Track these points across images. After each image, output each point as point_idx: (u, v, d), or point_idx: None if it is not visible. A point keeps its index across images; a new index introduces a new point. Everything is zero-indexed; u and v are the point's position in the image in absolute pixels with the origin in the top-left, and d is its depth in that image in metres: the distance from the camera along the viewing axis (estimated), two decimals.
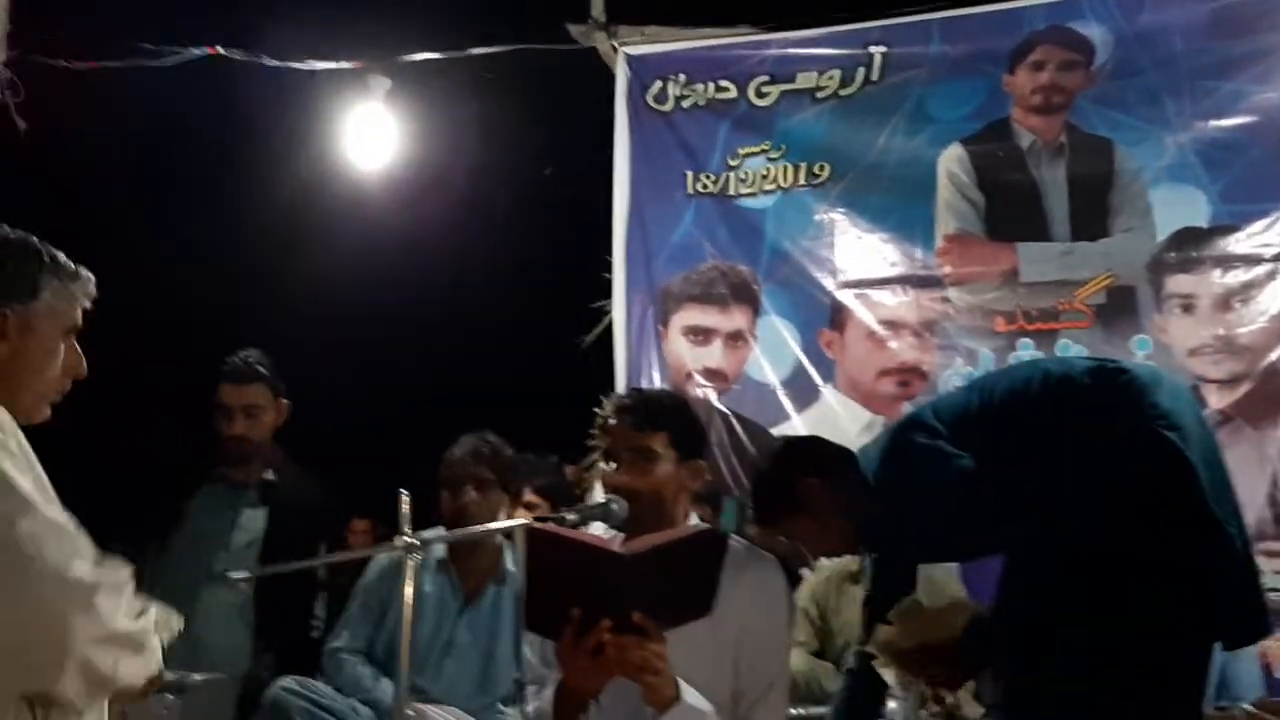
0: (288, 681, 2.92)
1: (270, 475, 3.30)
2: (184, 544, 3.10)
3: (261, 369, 3.29)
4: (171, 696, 2.44)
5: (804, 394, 4.23)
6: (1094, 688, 2.34)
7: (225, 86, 4.05)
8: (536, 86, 4.56)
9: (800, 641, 3.60)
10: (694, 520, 2.42)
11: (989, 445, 2.50)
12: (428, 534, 2.33)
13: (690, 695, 2.10)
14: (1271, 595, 3.58)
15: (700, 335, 4.47)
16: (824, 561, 3.78)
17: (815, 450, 2.81)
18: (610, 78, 4.63)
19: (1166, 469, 2.36)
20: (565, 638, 2.02)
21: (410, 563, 2.17)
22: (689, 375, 4.45)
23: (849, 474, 2.62)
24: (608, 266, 4.64)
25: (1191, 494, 2.35)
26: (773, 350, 4.36)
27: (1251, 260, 3.76)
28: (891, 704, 2.84)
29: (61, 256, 1.78)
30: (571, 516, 2.22)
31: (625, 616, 2.00)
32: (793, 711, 2.89)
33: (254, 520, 3.23)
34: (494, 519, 3.08)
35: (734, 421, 4.32)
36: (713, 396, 4.40)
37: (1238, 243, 3.78)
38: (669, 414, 2.39)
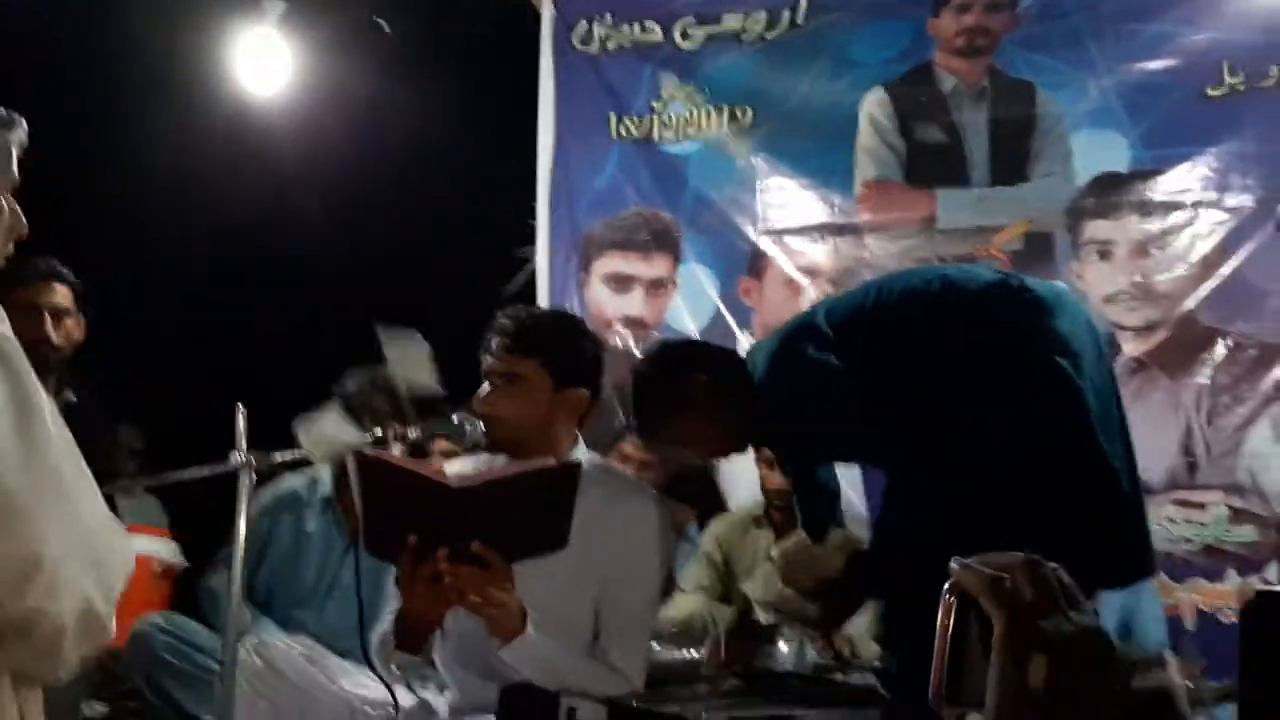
0: (154, 617, 2.85)
1: (71, 397, 3.14)
2: None
3: (70, 274, 3.14)
4: None
5: (722, 342, 4.15)
6: None
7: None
8: (456, 24, 4.45)
9: (703, 585, 3.55)
10: (580, 450, 2.35)
11: (876, 346, 2.43)
12: (279, 455, 2.24)
13: (536, 628, 2.04)
14: (1184, 545, 3.60)
15: (621, 283, 4.40)
16: (728, 516, 3.74)
17: (700, 349, 2.74)
18: (535, 18, 4.54)
19: (1054, 395, 2.30)
20: (403, 565, 1.97)
21: (244, 481, 2.09)
22: (609, 323, 4.38)
23: (736, 374, 2.53)
24: (531, 213, 4.57)
25: (1077, 423, 2.29)
26: (693, 298, 4.29)
27: (1170, 206, 3.69)
28: (783, 647, 2.79)
29: None
30: (414, 434, 2.15)
31: (463, 547, 1.94)
32: (687, 654, 2.83)
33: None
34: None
35: None
36: (633, 344, 4.33)
37: (1157, 188, 3.70)
38: (546, 339, 2.30)
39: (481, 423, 2.22)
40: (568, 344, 2.31)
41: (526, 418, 2.23)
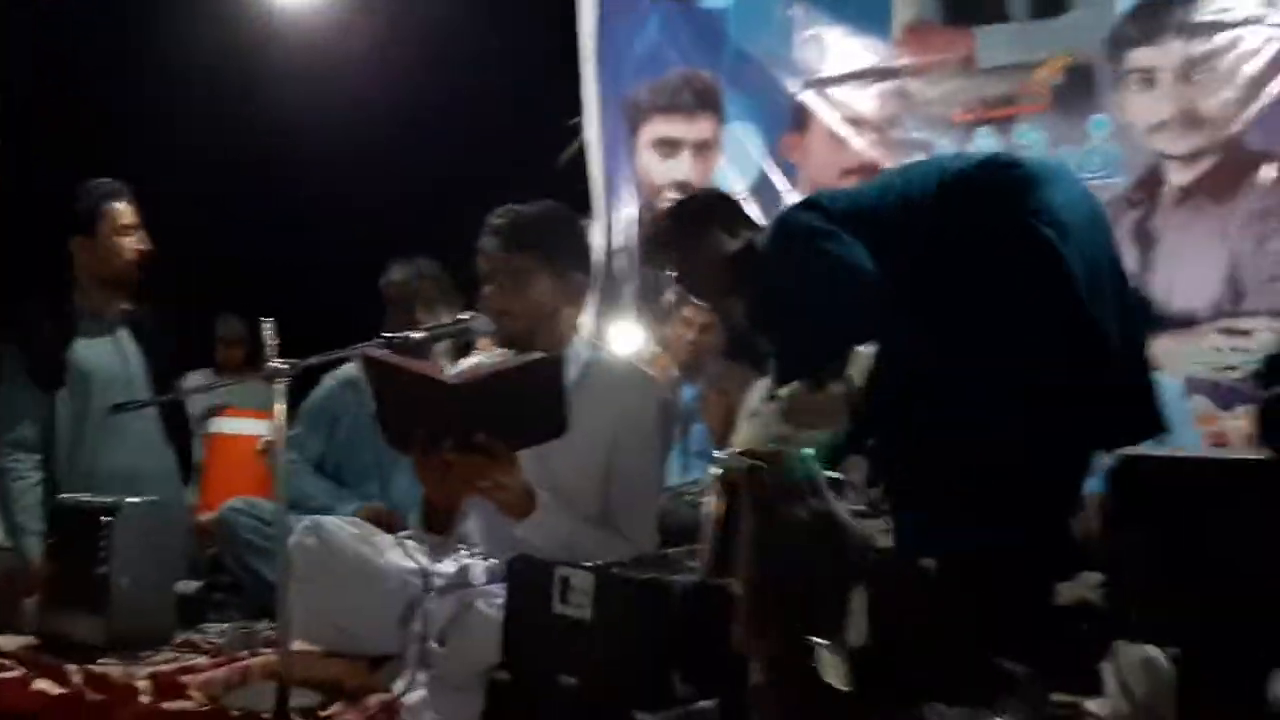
0: (235, 501, 3.12)
1: (128, 305, 3.35)
2: (79, 386, 3.20)
3: (128, 189, 3.31)
4: (105, 518, 2.63)
5: (769, 201, 4.20)
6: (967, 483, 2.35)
7: None
8: None
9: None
10: (579, 337, 2.50)
11: (875, 237, 2.48)
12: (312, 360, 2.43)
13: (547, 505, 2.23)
14: (1229, 373, 3.59)
15: (668, 147, 4.45)
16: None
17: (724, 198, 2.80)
18: None
19: (1036, 265, 2.32)
20: (416, 456, 2.15)
21: (278, 387, 2.28)
22: (659, 190, 4.45)
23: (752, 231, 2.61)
24: (578, 83, 4.61)
25: (1061, 293, 2.30)
26: (738, 158, 4.33)
27: (1215, 27, 3.57)
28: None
29: None
30: (418, 335, 2.30)
31: (467, 438, 2.11)
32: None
33: (131, 347, 3.34)
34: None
35: None
36: None
37: (1200, 9, 3.58)
38: (540, 231, 2.43)
39: (491, 319, 2.36)
40: (562, 233, 2.43)
41: (529, 311, 2.37)
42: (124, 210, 3.29)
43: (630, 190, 4.50)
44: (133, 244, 3.27)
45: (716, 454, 0.99)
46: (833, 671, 0.90)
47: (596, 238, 4.59)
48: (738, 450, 0.98)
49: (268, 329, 2.36)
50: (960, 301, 2.36)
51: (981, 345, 2.32)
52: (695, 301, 3.26)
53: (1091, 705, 1.89)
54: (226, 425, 4.15)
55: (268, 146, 4.65)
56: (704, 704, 1.74)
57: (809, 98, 4.19)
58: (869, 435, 2.46)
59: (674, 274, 2.74)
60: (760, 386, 3.85)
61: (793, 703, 0.89)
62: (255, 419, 4.86)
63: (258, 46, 4.44)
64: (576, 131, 4.64)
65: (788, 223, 2.54)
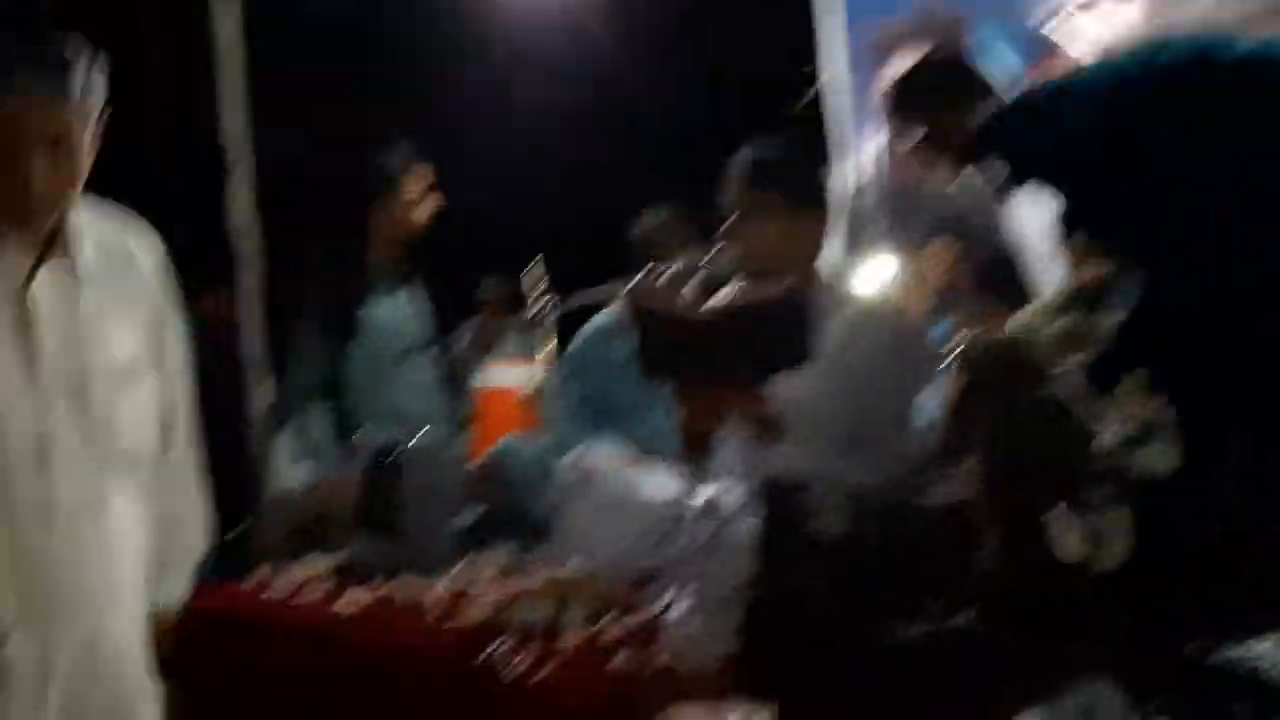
0: (505, 440, 3.36)
1: (411, 263, 3.61)
2: (368, 339, 3.47)
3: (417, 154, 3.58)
4: (388, 460, 2.91)
5: None
6: None
7: None
8: None
9: None
10: (822, 272, 2.57)
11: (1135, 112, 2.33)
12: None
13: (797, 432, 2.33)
14: None
15: None
16: None
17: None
18: None
19: None
20: (672, 389, 2.29)
21: (541, 330, 2.47)
22: None
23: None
24: (811, 29, 4.60)
25: None
26: None
27: None
28: None
29: None
30: (667, 276, 2.43)
31: (716, 370, 2.24)
32: None
33: (416, 304, 3.62)
34: None
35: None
36: None
37: None
38: (780, 170, 2.52)
39: (733, 254, 2.47)
40: (803, 171, 2.50)
41: (771, 248, 2.46)
42: (420, 176, 3.56)
43: (874, 129, 4.47)
44: (427, 208, 3.54)
45: (956, 336, 1.04)
46: (1067, 547, 0.94)
47: (841, 176, 4.59)
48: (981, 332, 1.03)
49: (532, 273, 2.56)
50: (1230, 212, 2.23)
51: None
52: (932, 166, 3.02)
53: None
54: (493, 377, 4.42)
55: (516, 104, 4.88)
56: (957, 621, 1.79)
57: (1054, 27, 4.04)
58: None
59: (926, 126, 2.60)
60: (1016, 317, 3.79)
61: (1020, 585, 0.94)
62: (520, 367, 5.19)
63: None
64: (812, 79, 4.64)
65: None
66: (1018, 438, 1.00)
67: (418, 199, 3.53)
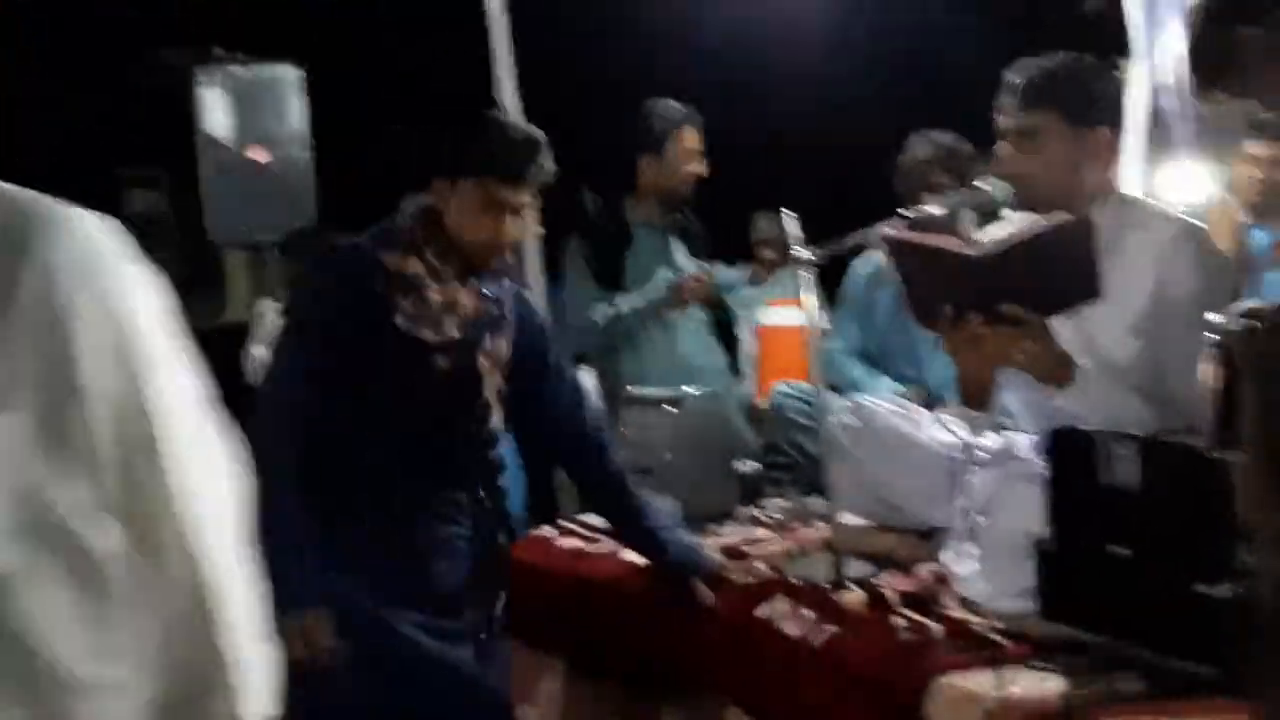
0: (783, 385, 3.30)
1: (678, 214, 3.63)
2: (637, 288, 3.51)
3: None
4: (670, 409, 2.92)
5: None
6: None
7: None
8: None
9: None
10: (1112, 194, 2.35)
11: None
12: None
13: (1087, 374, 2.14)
14: None
15: None
16: None
17: None
18: None
19: None
20: (945, 333, 2.16)
21: (806, 275, 2.40)
22: None
23: None
24: None
25: None
26: None
27: None
28: None
29: None
30: (938, 212, 2.28)
31: (994, 309, 2.08)
32: None
33: (682, 253, 3.61)
34: None
35: None
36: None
37: None
38: (1059, 86, 2.30)
39: (1006, 183, 2.29)
40: (1082, 86, 2.27)
41: (1049, 172, 2.26)
42: (691, 135, 3.59)
43: (1176, 21, 4.07)
44: (694, 168, 3.56)
45: (1210, 317, 0.89)
46: None
47: (1139, 78, 4.22)
48: (1239, 311, 0.88)
49: (790, 221, 2.48)
50: None
51: None
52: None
53: None
54: (773, 316, 4.38)
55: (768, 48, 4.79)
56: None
57: None
58: None
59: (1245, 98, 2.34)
60: None
61: None
62: (799, 308, 5.12)
63: None
64: None
65: None
66: None
67: (688, 156, 3.53)
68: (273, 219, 5.03)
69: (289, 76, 5.20)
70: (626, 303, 3.51)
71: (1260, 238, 3.56)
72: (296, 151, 5.17)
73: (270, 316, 4.79)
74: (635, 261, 3.56)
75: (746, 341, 4.85)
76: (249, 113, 5.18)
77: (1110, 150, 2.31)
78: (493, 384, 2.38)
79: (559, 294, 3.79)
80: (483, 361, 2.36)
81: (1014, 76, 2.32)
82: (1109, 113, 2.30)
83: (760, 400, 3.65)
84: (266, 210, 5.08)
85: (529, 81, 4.08)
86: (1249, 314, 0.87)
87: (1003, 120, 2.32)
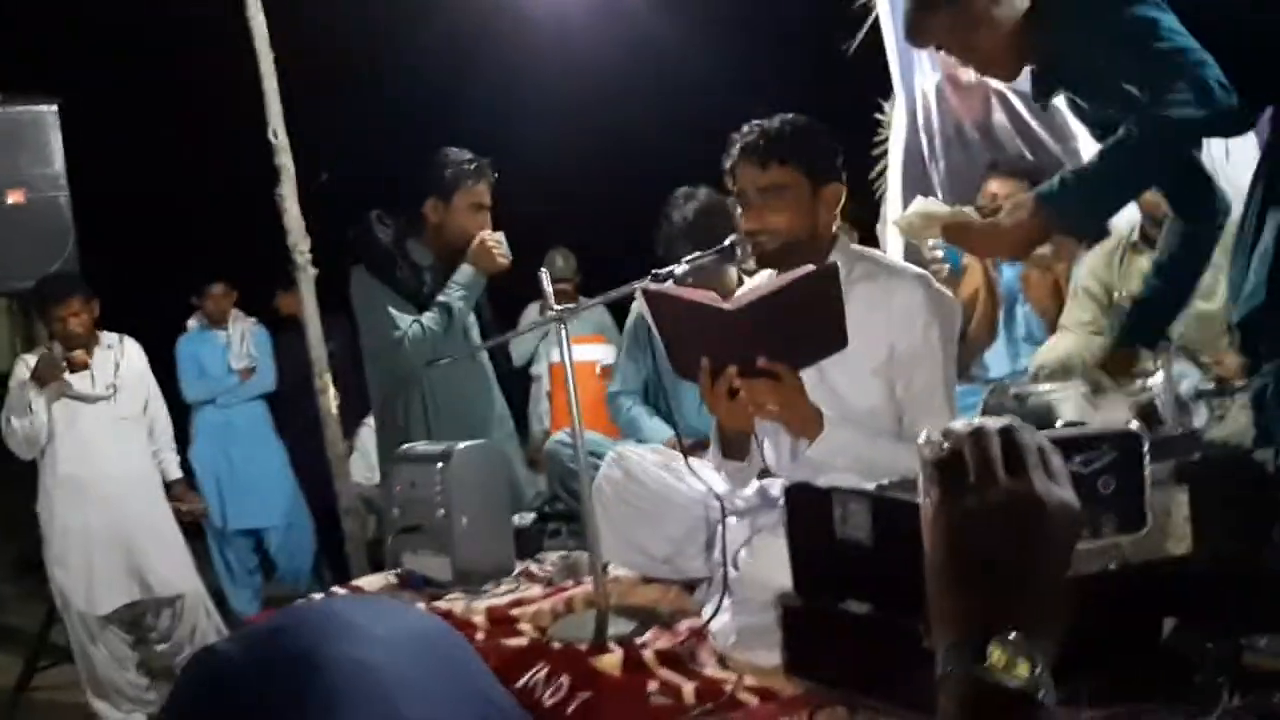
0: (560, 435, 3.27)
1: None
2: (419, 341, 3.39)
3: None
4: (439, 465, 2.84)
5: None
6: None
7: None
8: None
9: (1083, 321, 3.43)
10: (842, 241, 2.41)
11: None
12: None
13: (834, 422, 2.18)
14: None
15: None
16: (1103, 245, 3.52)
17: None
18: None
19: None
20: (703, 384, 2.16)
21: (563, 332, 2.37)
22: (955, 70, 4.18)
23: None
24: None
25: None
26: None
27: None
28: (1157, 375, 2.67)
29: None
30: (681, 269, 2.29)
31: (749, 362, 2.09)
32: (1043, 388, 2.81)
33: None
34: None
35: (1013, 99, 4.03)
36: (991, 80, 4.11)
37: None
38: (797, 144, 2.34)
39: (749, 240, 2.31)
40: (817, 143, 2.32)
41: (793, 226, 2.29)
42: (482, 191, 3.49)
43: (929, 63, 4.25)
44: (479, 223, 3.45)
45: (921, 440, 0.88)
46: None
47: (897, 115, 4.40)
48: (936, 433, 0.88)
49: (545, 275, 2.45)
50: None
51: None
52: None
53: None
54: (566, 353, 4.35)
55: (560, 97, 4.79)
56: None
57: None
58: None
59: (948, 46, 2.35)
60: (1088, 260, 3.56)
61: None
62: (591, 344, 5.11)
63: None
64: (868, 11, 4.43)
65: None
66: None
67: (474, 214, 3.45)
68: (31, 263, 4.75)
69: (45, 115, 4.91)
70: (448, 297, 3.40)
71: (1008, 272, 3.72)
72: (53, 191, 4.89)
73: (19, 379, 4.51)
74: (418, 299, 3.45)
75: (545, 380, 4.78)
76: (2, 154, 4.88)
77: (838, 204, 2.37)
78: None
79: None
80: None
81: (750, 136, 2.35)
82: (838, 169, 2.36)
83: (551, 436, 3.61)
84: (22, 254, 4.80)
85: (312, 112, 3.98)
86: (944, 434, 0.87)
87: (744, 178, 2.34)
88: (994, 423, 0.86)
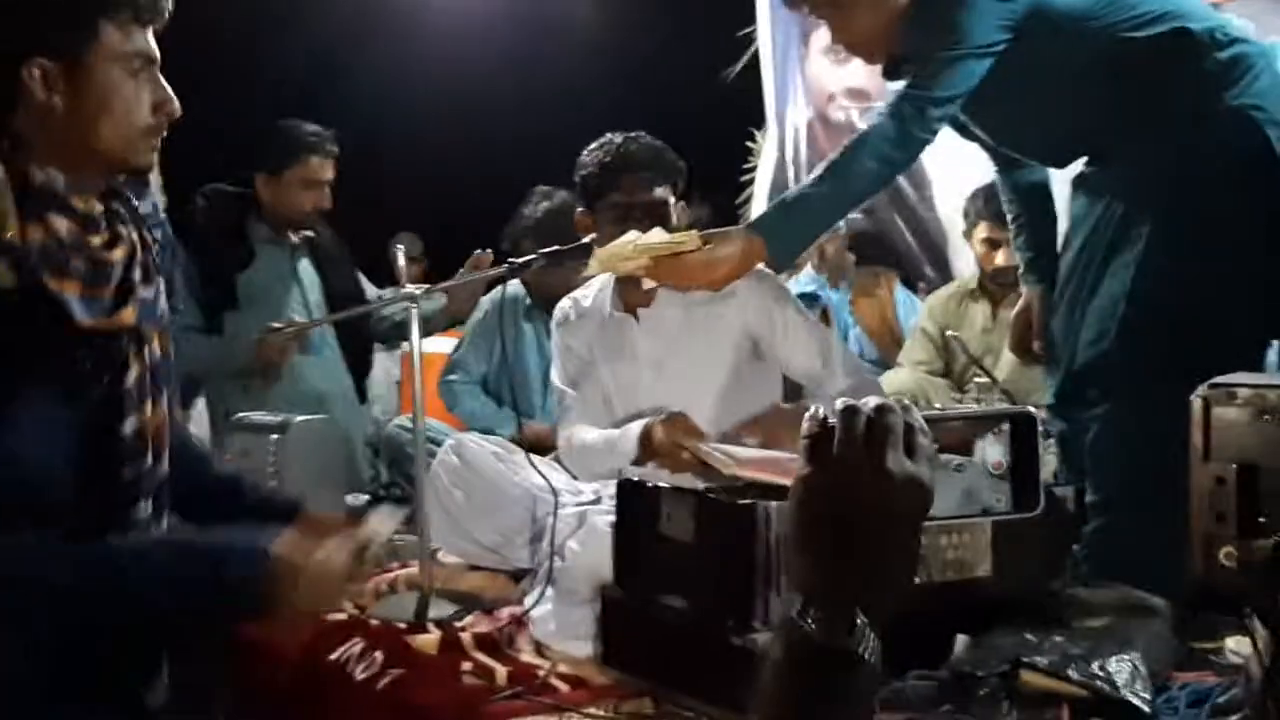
0: (400, 419, 3.26)
1: (309, 233, 3.50)
2: (256, 306, 3.35)
3: (334, 145, 3.43)
4: (275, 436, 2.79)
5: None
6: None
7: None
8: None
9: (919, 360, 3.59)
10: None
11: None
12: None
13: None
14: None
15: (841, 53, 4.29)
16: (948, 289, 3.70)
17: None
18: None
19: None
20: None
21: (413, 313, 2.37)
22: (831, 97, 4.32)
23: None
24: None
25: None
26: None
27: None
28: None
29: None
30: (540, 262, 2.33)
31: None
32: None
33: (310, 273, 3.49)
34: None
35: None
36: (855, 116, 4.27)
37: None
38: (673, 162, 2.46)
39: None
40: (679, 162, 2.44)
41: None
42: (317, 166, 3.38)
43: (803, 99, 4.39)
44: (314, 199, 3.38)
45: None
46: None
47: (769, 148, 4.52)
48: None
49: (399, 254, 2.45)
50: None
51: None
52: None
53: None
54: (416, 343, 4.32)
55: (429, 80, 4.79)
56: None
57: None
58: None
59: (823, 14, 2.40)
60: (929, 303, 3.73)
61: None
62: (444, 336, 5.09)
63: None
64: (749, 42, 4.55)
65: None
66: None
67: (307, 185, 3.37)
68: None
69: None
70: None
71: (838, 300, 3.92)
72: None
73: None
74: (252, 279, 3.38)
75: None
76: None
77: (688, 217, 2.51)
78: None
79: None
80: None
81: (639, 153, 2.43)
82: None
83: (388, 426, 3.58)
84: None
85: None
86: (821, 411, 0.92)
87: (636, 194, 2.41)
88: (873, 401, 0.92)
